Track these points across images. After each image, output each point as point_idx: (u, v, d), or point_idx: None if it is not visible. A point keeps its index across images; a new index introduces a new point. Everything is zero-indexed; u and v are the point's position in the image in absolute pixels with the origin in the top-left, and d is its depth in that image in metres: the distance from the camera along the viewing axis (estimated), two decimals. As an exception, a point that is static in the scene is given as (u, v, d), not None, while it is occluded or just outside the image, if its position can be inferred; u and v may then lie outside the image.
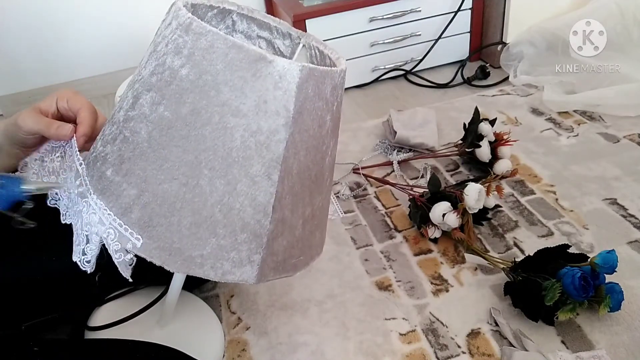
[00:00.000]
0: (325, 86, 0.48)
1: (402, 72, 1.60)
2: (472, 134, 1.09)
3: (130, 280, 0.52)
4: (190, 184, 0.47)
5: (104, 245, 0.50)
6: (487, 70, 1.54)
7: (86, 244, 0.51)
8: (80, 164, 0.51)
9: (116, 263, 0.50)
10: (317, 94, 0.48)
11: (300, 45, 0.61)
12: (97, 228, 0.49)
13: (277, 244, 0.51)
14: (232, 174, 0.47)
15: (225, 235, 0.48)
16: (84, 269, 0.51)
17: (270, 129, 0.46)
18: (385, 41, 1.52)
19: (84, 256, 0.51)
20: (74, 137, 0.54)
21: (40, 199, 0.54)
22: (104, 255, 0.51)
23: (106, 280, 0.77)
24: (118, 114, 0.50)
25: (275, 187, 0.48)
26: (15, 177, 0.42)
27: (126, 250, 0.49)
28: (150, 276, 0.78)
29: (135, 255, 0.50)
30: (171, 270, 0.49)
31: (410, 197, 1.00)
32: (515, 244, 0.93)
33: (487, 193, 0.93)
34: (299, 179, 0.50)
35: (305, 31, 1.34)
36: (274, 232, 0.50)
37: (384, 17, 1.47)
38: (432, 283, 0.87)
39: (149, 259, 0.48)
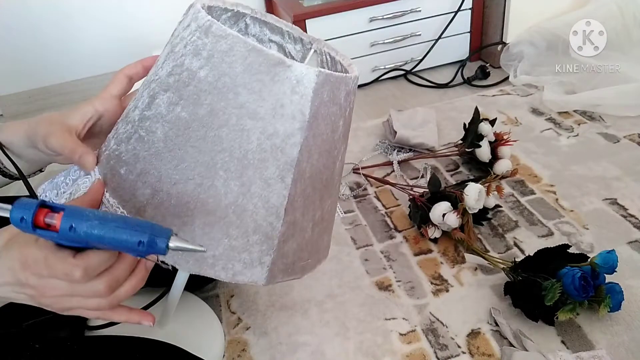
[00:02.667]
0: (339, 92, 0.49)
1: (402, 72, 1.61)
2: (472, 134, 1.09)
3: None
4: (205, 184, 0.47)
5: None
6: (487, 70, 1.54)
7: None
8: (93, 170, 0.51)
9: None
10: (332, 100, 0.48)
11: (312, 50, 0.61)
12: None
13: (288, 246, 0.52)
14: (247, 175, 0.47)
15: (237, 237, 0.49)
16: None
17: (286, 133, 0.47)
18: (385, 41, 1.52)
19: None
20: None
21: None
22: None
23: None
24: (133, 113, 0.50)
25: (288, 190, 0.48)
26: (164, 229, 0.39)
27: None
28: (150, 277, 0.78)
29: None
30: (183, 270, 0.50)
31: (410, 197, 1.00)
32: (515, 244, 0.93)
33: (487, 193, 0.93)
34: (311, 183, 0.51)
35: (306, 31, 1.34)
36: (285, 234, 0.51)
37: (384, 17, 1.47)
38: (432, 283, 0.87)
39: (161, 259, 0.49)
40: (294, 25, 0.61)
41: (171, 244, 0.38)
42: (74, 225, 0.37)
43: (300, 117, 0.46)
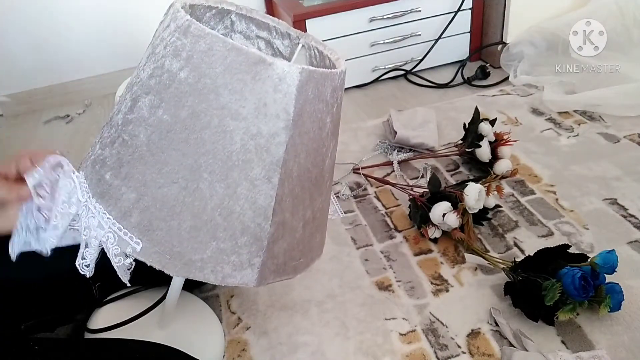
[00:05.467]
0: (325, 88, 0.48)
1: (402, 72, 1.60)
2: (472, 134, 1.09)
3: (129, 285, 0.52)
4: (190, 187, 0.46)
5: (104, 252, 0.50)
6: (487, 70, 1.54)
7: (85, 248, 0.51)
8: (75, 174, 0.51)
9: (115, 267, 0.50)
10: (317, 96, 0.48)
11: (300, 45, 0.61)
12: (96, 232, 0.49)
13: (278, 246, 0.51)
14: (232, 177, 0.47)
15: (225, 239, 0.48)
16: (83, 273, 0.51)
17: (270, 132, 0.46)
18: (385, 41, 1.52)
19: (83, 260, 0.51)
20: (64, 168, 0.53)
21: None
22: (105, 263, 0.50)
23: (106, 287, 0.78)
24: (116, 116, 0.50)
25: (276, 190, 0.48)
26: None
27: (125, 254, 0.49)
28: (149, 278, 0.78)
29: (135, 259, 0.50)
30: (171, 274, 0.49)
31: (410, 197, 1.00)
32: (515, 244, 0.93)
33: (487, 193, 0.93)
34: (299, 182, 0.50)
35: (306, 31, 1.33)
36: (274, 235, 0.50)
37: (384, 17, 1.47)
38: (432, 283, 0.87)
39: (148, 263, 0.48)
40: (280, 21, 0.60)
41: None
42: None
43: (285, 115, 0.46)
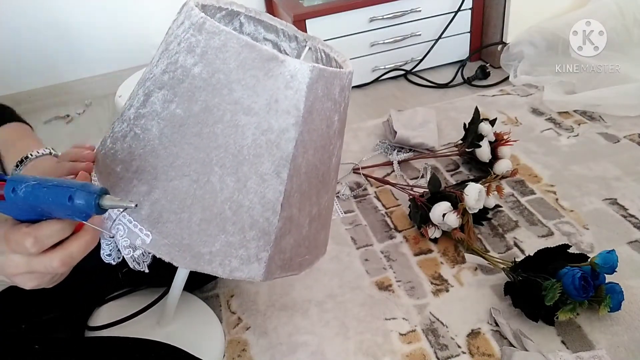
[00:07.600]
0: (334, 87, 0.49)
1: (402, 72, 1.61)
2: (472, 134, 1.09)
3: (147, 271, 0.52)
4: (201, 180, 0.47)
5: None
6: (487, 70, 1.54)
7: (102, 239, 0.52)
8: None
9: (126, 259, 0.50)
10: (326, 95, 0.48)
11: (307, 48, 0.62)
12: (106, 224, 0.49)
13: (285, 242, 0.52)
14: (242, 171, 0.47)
15: (234, 232, 0.49)
16: (107, 262, 0.52)
17: (281, 128, 0.47)
18: (385, 41, 1.52)
19: (102, 251, 0.52)
20: None
21: None
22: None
23: (131, 273, 0.78)
24: (128, 111, 0.50)
25: (284, 185, 0.48)
26: (97, 187, 0.38)
27: (135, 246, 0.49)
28: (150, 277, 0.78)
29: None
30: (180, 267, 0.50)
31: (410, 197, 1.00)
32: (515, 244, 0.93)
33: (487, 193, 0.93)
34: (307, 178, 0.51)
35: (306, 31, 1.33)
36: (282, 230, 0.51)
37: (384, 17, 1.47)
38: (432, 283, 0.87)
39: (158, 255, 0.49)
40: (288, 23, 0.61)
41: (104, 202, 0.39)
42: (15, 188, 0.38)
43: (295, 112, 0.46)
